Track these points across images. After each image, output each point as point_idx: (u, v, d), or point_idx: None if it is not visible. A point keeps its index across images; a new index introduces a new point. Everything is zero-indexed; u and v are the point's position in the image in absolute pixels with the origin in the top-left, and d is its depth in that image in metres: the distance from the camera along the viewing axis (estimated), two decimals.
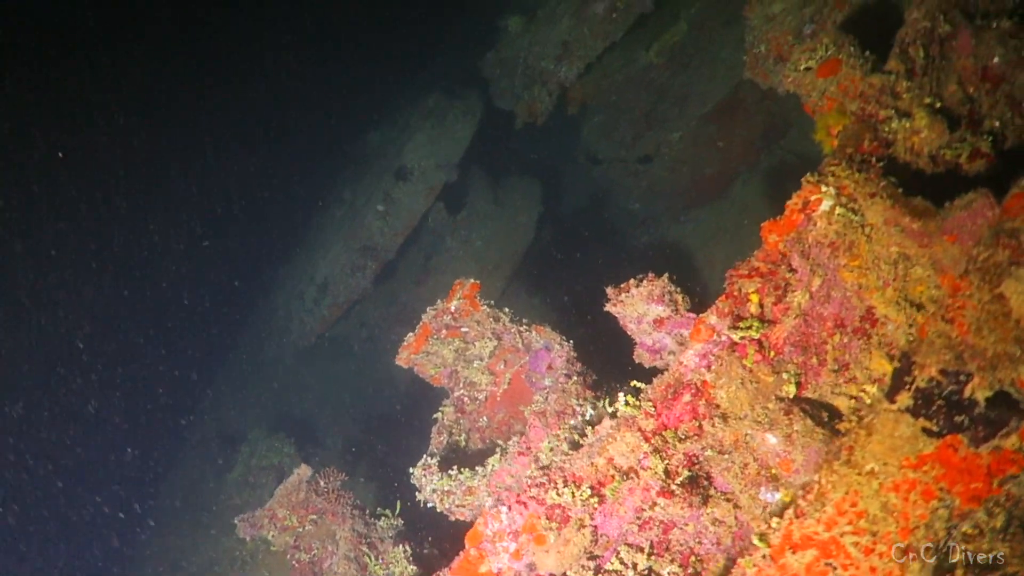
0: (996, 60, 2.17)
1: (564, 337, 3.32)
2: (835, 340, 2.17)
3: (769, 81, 4.17)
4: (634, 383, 2.17)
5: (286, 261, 8.39)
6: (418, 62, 9.74)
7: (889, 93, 2.06)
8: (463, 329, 3.64)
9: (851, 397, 2.18)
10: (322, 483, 3.79)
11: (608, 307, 2.61)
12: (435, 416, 3.66)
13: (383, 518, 3.74)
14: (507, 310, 3.60)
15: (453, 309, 3.63)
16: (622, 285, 2.66)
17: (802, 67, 2.78)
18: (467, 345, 3.64)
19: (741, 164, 6.55)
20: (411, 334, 3.71)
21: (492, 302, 3.61)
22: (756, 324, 2.05)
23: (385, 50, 10.87)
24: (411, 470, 3.24)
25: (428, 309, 3.67)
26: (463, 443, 3.59)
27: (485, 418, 3.70)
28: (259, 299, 8.39)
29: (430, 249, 7.14)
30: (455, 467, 3.12)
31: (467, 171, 6.96)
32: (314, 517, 3.82)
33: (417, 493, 3.24)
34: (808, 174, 2.05)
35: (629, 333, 2.65)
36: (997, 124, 2.25)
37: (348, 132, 10.01)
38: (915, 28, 2.13)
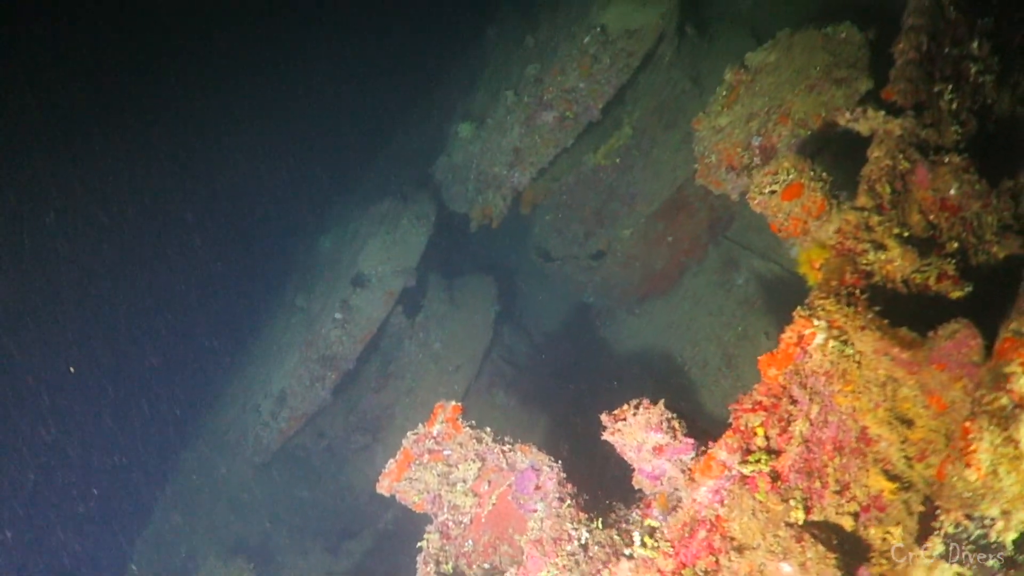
0: (952, 192, 2.36)
1: (552, 458, 3.30)
2: (835, 462, 2.23)
3: (722, 188, 4.39)
4: (648, 522, 2.17)
5: (236, 374, 8.15)
6: (365, 166, 9.87)
7: (864, 228, 2.20)
8: (445, 452, 3.58)
9: (853, 515, 2.24)
10: None
11: (606, 436, 2.63)
12: (419, 545, 3.55)
13: None
14: (488, 430, 3.56)
15: (435, 433, 3.57)
16: (616, 412, 2.68)
17: (766, 191, 2.95)
18: (450, 468, 3.57)
19: (690, 258, 6.79)
20: (392, 461, 3.62)
21: (474, 422, 3.57)
22: (764, 457, 2.10)
23: (331, 155, 11.00)
24: None
25: (408, 434, 3.60)
26: (450, 571, 3.47)
27: (471, 541, 3.61)
28: (206, 416, 8.08)
29: (388, 354, 7.07)
30: None
31: (423, 273, 6.99)
32: None
33: None
34: (800, 308, 2.15)
35: (627, 460, 2.66)
36: (956, 246, 2.42)
37: (296, 238, 9.98)
38: (879, 166, 2.30)
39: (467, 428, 3.55)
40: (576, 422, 6.11)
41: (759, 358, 2.21)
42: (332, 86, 11.57)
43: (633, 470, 2.73)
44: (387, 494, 3.65)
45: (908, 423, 2.20)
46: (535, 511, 3.29)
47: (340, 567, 6.46)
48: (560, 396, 7.16)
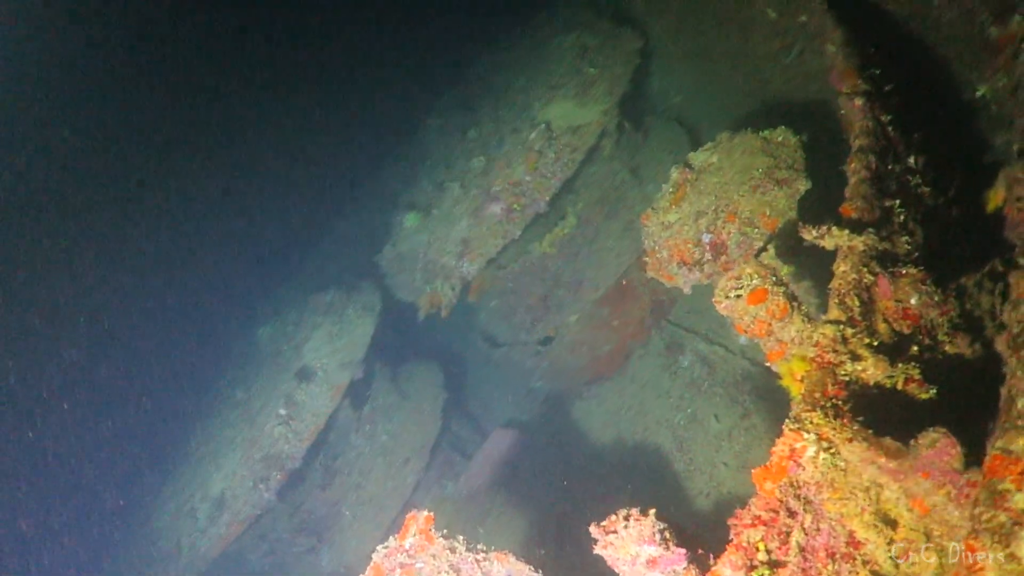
0: (913, 302, 2.53)
1: (532, 567, 3.23)
2: (829, 568, 2.28)
3: (674, 281, 4.55)
4: None
5: (169, 476, 7.70)
6: (303, 256, 9.76)
7: (840, 340, 2.32)
8: (418, 566, 3.46)
9: None
10: None
11: (598, 550, 2.61)
12: None
13: None
14: (461, 539, 3.47)
15: (408, 547, 3.45)
16: (605, 523, 2.68)
17: (732, 295, 3.09)
18: None
19: (635, 341, 6.94)
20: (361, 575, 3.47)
21: (445, 531, 3.48)
22: (767, 572, 2.12)
23: (268, 245, 10.82)
24: None
25: (379, 548, 3.46)
26: None
27: None
28: (136, 524, 7.56)
29: (334, 449, 6.85)
30: None
31: (370, 364, 6.87)
32: None
33: None
34: (788, 421, 2.23)
35: (618, 572, 2.64)
36: (916, 349, 2.58)
37: (233, 328, 9.69)
38: (846, 280, 2.45)
39: (440, 538, 3.45)
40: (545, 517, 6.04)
41: (754, 471, 2.26)
42: (269, 173, 11.46)
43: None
44: None
45: (892, 524, 2.28)
46: None
47: None
48: (511, 486, 7.06)
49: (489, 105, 7.53)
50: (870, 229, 2.53)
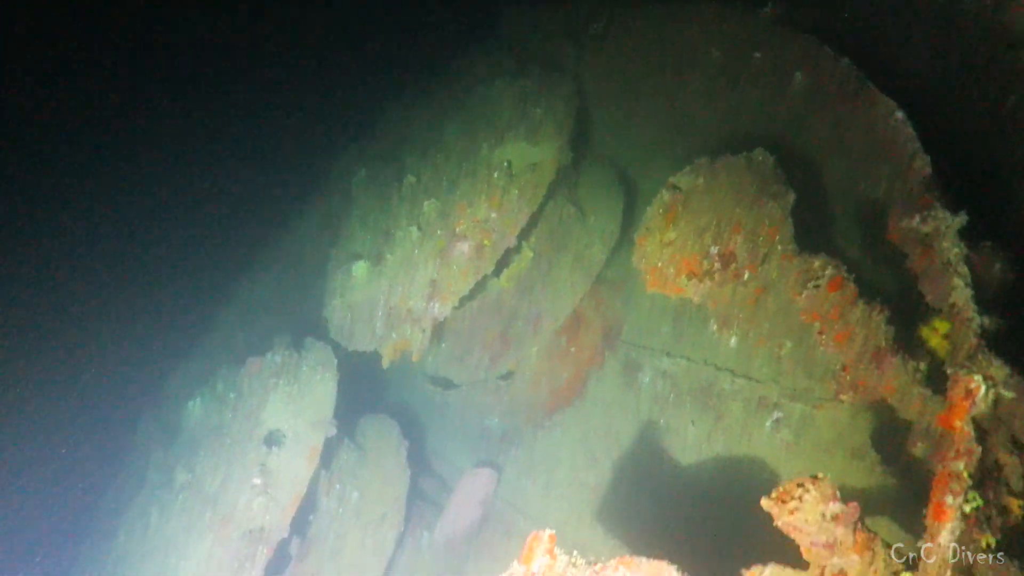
0: None
1: (668, 561, 3.34)
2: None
3: (683, 293, 4.94)
4: None
5: None
6: (202, 328, 9.12)
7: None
8: None
9: None
10: None
11: (780, 521, 2.83)
12: None
13: None
14: (576, 553, 3.52)
15: (536, 570, 3.43)
16: (778, 495, 2.91)
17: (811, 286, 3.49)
18: None
19: (591, 367, 7.25)
20: None
21: (564, 549, 3.51)
22: (975, 494, 2.48)
23: (163, 319, 9.90)
24: None
25: (504, 573, 3.42)
26: None
27: None
28: None
29: (306, 515, 6.45)
30: None
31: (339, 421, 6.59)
32: None
33: None
34: (957, 369, 2.62)
35: (802, 538, 2.87)
36: None
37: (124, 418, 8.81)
38: None
39: (562, 555, 3.47)
40: None
41: (940, 416, 2.62)
42: (154, 243, 10.53)
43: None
44: None
45: None
46: None
47: None
48: (486, 527, 7.01)
49: (416, 153, 7.64)
50: None
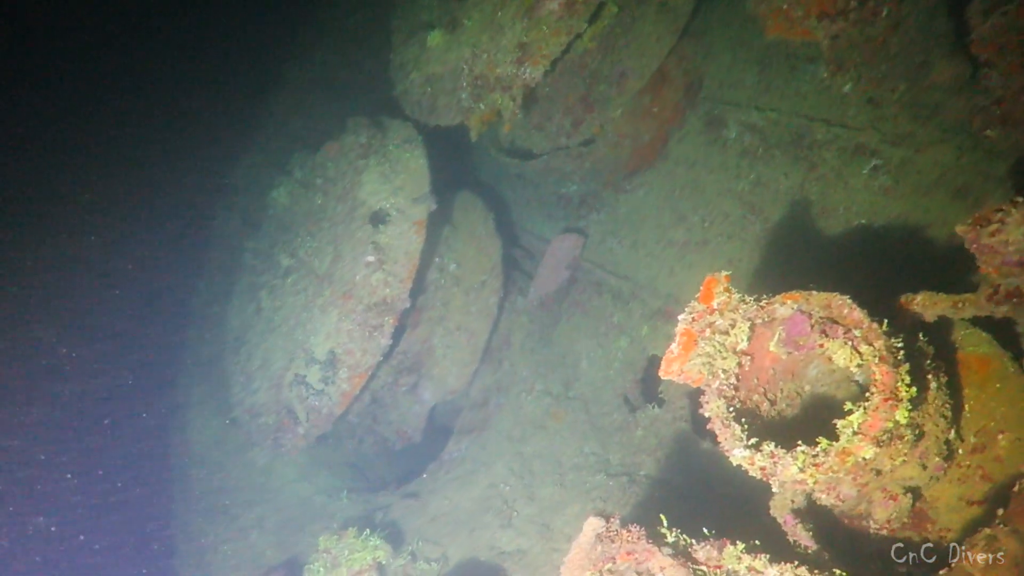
0: None
1: (838, 293, 3.52)
2: None
3: (810, 36, 4.75)
4: None
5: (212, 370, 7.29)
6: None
7: None
8: (717, 323, 3.69)
9: None
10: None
11: (984, 239, 2.96)
12: (709, 408, 3.61)
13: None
14: (740, 293, 3.72)
15: (716, 306, 3.66)
16: (977, 218, 3.03)
17: None
18: (723, 336, 3.70)
19: (671, 126, 7.16)
20: (673, 345, 3.67)
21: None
22: None
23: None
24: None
25: (685, 311, 3.66)
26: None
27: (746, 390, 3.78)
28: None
29: (414, 287, 6.76)
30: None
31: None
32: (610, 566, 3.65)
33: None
34: None
35: (993, 260, 3.03)
36: None
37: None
38: None
39: (736, 294, 3.69)
40: None
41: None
42: None
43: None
44: (676, 379, 3.71)
45: None
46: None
47: None
48: (575, 287, 7.36)
49: None
50: None
